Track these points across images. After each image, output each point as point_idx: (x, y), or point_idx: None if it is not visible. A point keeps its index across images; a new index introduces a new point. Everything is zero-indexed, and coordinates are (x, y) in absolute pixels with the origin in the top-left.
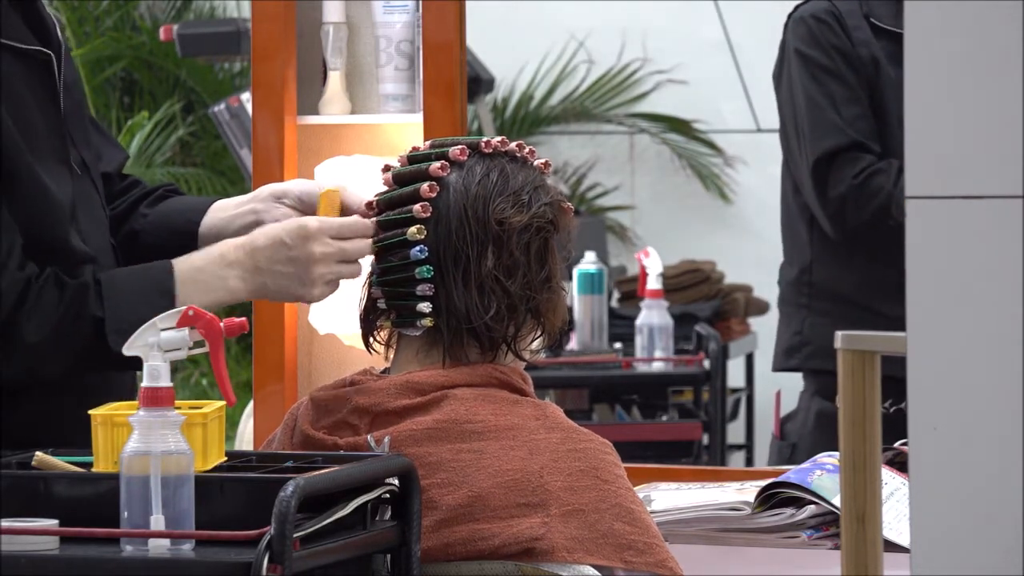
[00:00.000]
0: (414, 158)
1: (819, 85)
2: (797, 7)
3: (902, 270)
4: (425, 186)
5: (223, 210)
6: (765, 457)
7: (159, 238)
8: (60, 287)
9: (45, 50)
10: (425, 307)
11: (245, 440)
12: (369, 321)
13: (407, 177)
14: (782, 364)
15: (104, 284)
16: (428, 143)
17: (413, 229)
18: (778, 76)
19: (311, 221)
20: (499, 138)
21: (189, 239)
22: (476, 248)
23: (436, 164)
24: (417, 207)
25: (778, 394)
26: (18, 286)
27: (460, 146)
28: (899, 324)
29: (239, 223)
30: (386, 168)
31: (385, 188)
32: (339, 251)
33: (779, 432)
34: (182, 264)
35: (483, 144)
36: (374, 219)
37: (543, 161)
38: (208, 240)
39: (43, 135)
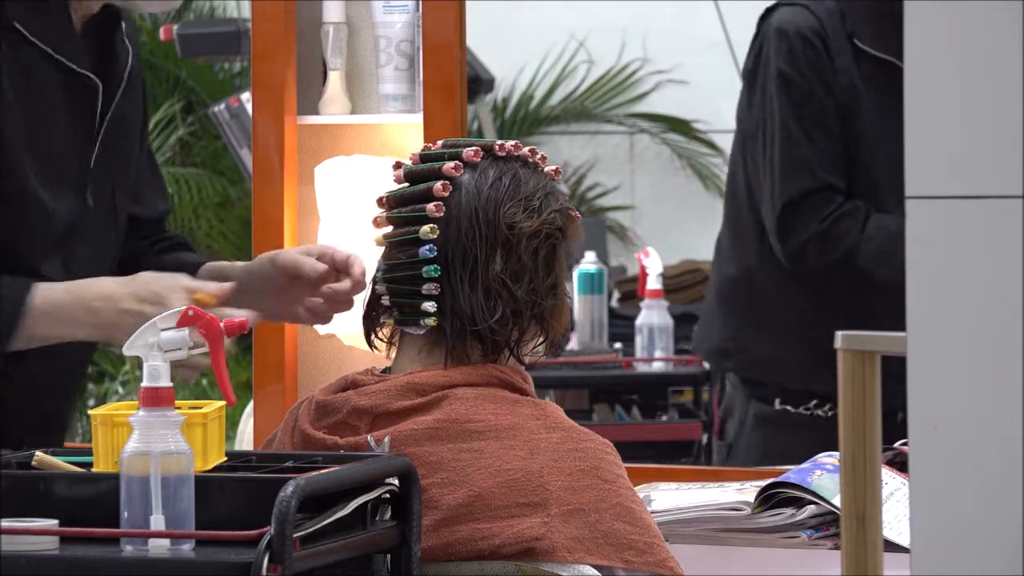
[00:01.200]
0: (427, 156)
1: (795, 110)
2: (775, 9)
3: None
4: (438, 185)
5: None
6: None
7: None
8: None
9: (93, 77)
10: (430, 307)
11: (245, 440)
12: (372, 317)
13: (419, 175)
14: (718, 363)
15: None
16: (441, 142)
17: (426, 228)
18: (751, 79)
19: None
20: (512, 142)
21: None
22: (485, 251)
23: (450, 164)
24: (431, 206)
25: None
26: None
27: (474, 147)
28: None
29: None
30: (397, 165)
31: (395, 185)
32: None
33: (719, 431)
34: (46, 290)
35: (497, 147)
36: (384, 215)
37: (554, 168)
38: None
39: (61, 156)
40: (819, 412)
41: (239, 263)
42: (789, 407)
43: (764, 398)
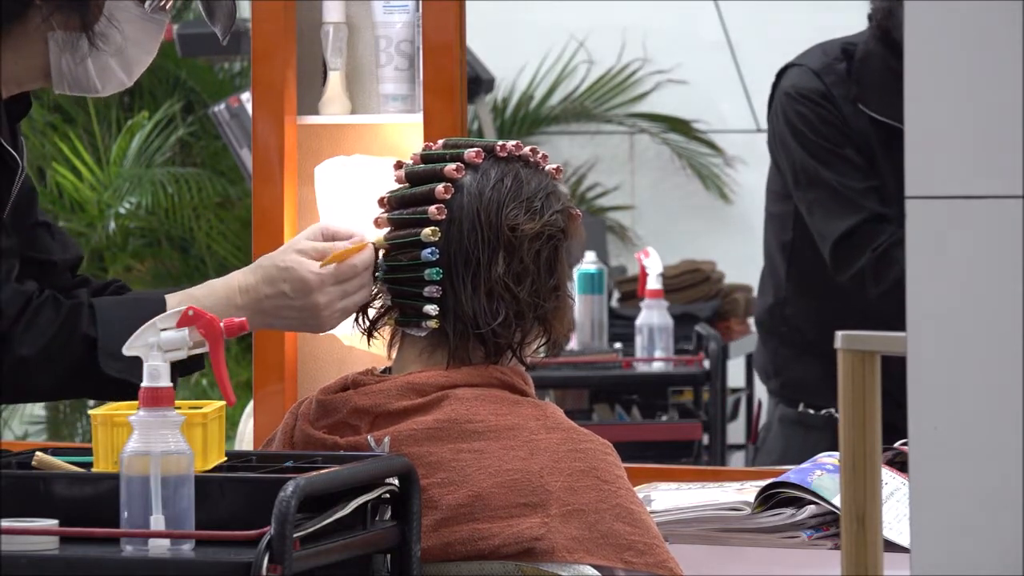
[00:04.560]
0: (428, 157)
1: (823, 163)
2: (785, 73)
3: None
4: (440, 187)
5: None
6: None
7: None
8: (56, 305)
9: (17, 157)
10: (432, 309)
11: (245, 440)
12: (373, 317)
13: (421, 176)
14: (764, 381)
15: (96, 307)
16: (441, 142)
17: (428, 231)
18: (774, 145)
19: (311, 276)
20: (513, 142)
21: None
22: (487, 253)
23: (451, 166)
24: (432, 209)
25: (759, 403)
26: (18, 301)
27: (476, 148)
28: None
29: None
30: (399, 165)
31: (396, 185)
32: (341, 293)
33: (755, 437)
34: (179, 298)
35: (498, 147)
36: (386, 216)
37: (555, 167)
38: None
39: None
40: (836, 414)
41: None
42: (811, 410)
43: (789, 402)
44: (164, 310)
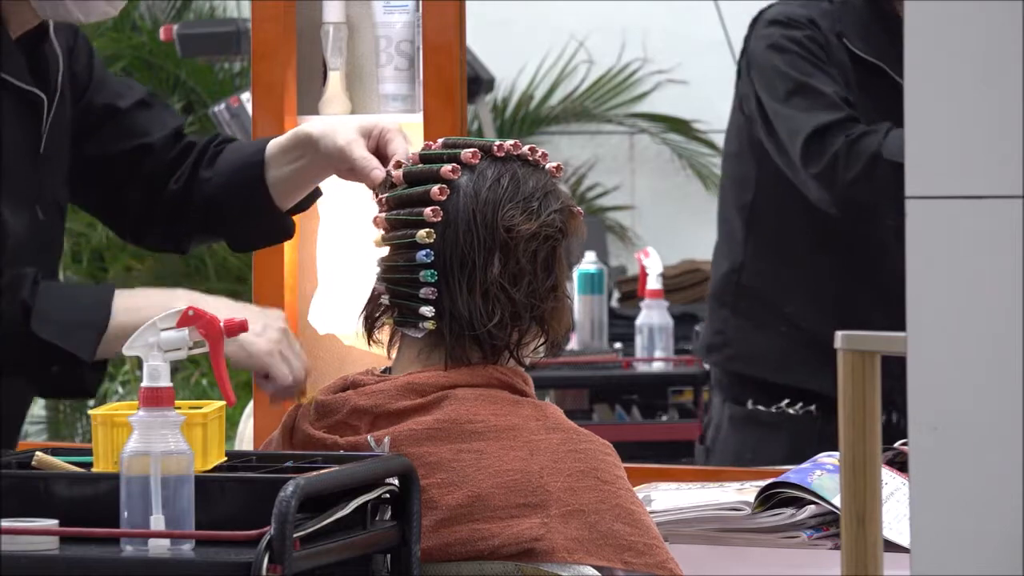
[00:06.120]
0: (426, 157)
1: (810, 73)
2: (763, 11)
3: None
4: (436, 188)
5: (278, 166)
6: None
7: (232, 197)
8: None
9: (38, 92)
10: (427, 311)
11: (245, 440)
12: (372, 317)
13: (418, 176)
14: (703, 358)
15: (43, 283)
16: (440, 142)
17: (422, 232)
18: (740, 70)
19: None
20: (511, 141)
21: (261, 193)
22: (483, 255)
23: (447, 167)
24: (428, 211)
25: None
26: None
27: (472, 149)
28: (820, 336)
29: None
30: (398, 164)
31: (395, 184)
32: (291, 349)
33: (702, 436)
34: (129, 290)
35: (495, 147)
36: (383, 215)
37: (555, 165)
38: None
39: (14, 173)
40: (790, 411)
41: (279, 139)
42: (760, 407)
43: (737, 399)
44: (110, 296)
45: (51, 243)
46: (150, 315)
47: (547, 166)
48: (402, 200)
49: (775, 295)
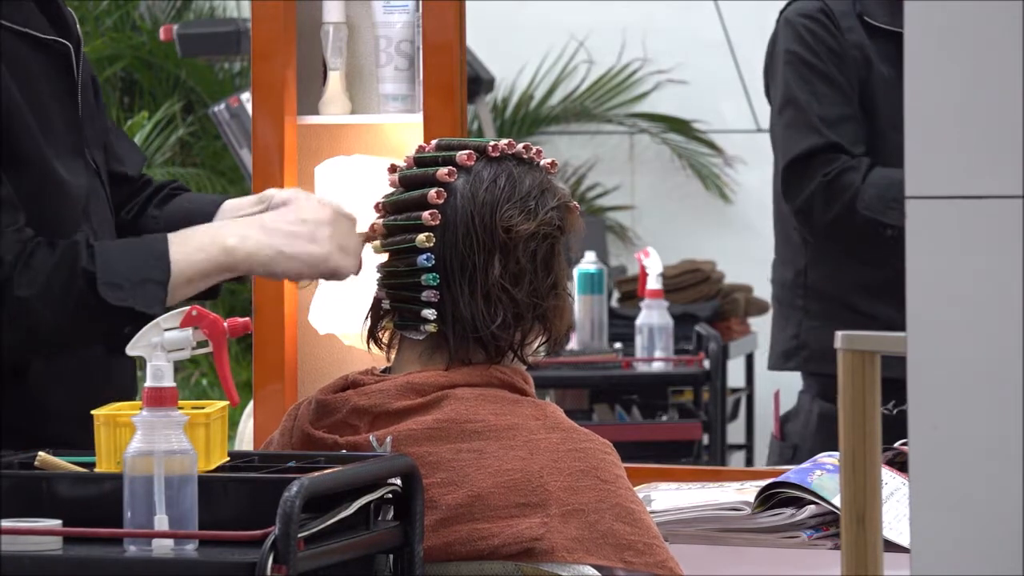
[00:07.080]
0: (420, 160)
1: (806, 84)
2: (787, 6)
3: (892, 271)
4: (433, 192)
5: (232, 212)
6: (765, 457)
7: None
8: (52, 246)
9: (64, 41)
10: (430, 314)
11: (245, 440)
12: (373, 320)
13: (413, 180)
14: (780, 365)
15: (96, 245)
16: (434, 144)
17: (422, 237)
18: (768, 77)
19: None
20: (505, 140)
21: None
22: (483, 256)
23: (444, 170)
24: (426, 214)
25: (777, 394)
26: (15, 248)
27: (467, 151)
28: (892, 326)
29: None
30: (392, 168)
31: (391, 189)
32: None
33: (779, 433)
34: (176, 232)
35: (490, 148)
36: (381, 221)
37: (549, 161)
38: None
39: (60, 128)
40: (883, 411)
41: (250, 197)
42: None
43: (828, 396)
44: (164, 239)
45: (101, 196)
46: (205, 257)
47: (541, 163)
48: (399, 205)
49: (843, 292)
